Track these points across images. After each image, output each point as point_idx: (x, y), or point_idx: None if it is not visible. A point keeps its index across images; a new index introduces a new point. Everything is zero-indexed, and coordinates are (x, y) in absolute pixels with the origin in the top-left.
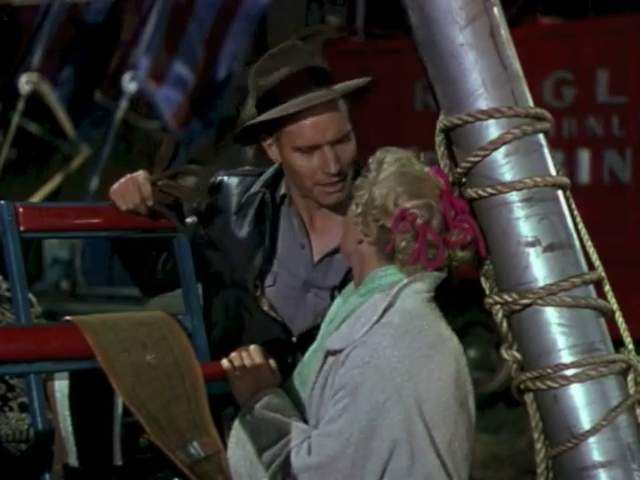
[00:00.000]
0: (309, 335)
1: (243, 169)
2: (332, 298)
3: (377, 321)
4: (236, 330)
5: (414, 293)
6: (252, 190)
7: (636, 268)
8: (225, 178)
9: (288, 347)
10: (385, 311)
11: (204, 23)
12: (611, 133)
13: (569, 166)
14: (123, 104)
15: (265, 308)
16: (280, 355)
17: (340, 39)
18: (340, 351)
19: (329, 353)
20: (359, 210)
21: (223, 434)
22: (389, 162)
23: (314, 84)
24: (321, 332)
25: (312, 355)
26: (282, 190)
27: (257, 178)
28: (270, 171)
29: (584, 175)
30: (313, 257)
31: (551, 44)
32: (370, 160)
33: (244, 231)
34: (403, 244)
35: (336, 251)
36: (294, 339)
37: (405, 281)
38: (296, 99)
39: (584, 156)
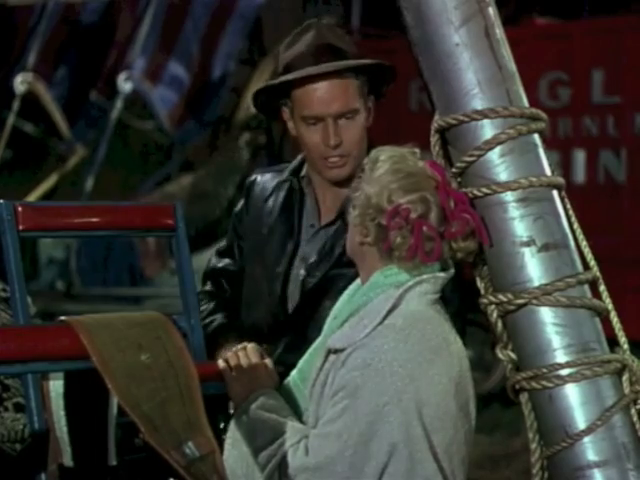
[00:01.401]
0: (297, 310)
1: (278, 166)
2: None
3: (380, 322)
4: (265, 318)
5: (419, 295)
6: (281, 179)
7: (631, 267)
8: (259, 176)
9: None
10: (389, 312)
11: (199, 23)
12: (606, 133)
13: (564, 166)
14: (118, 104)
15: (278, 293)
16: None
17: None
18: (342, 350)
19: (330, 351)
20: (357, 212)
21: (219, 434)
22: (382, 160)
23: (330, 58)
24: (325, 328)
25: (314, 352)
26: (303, 172)
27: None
28: (297, 159)
29: (579, 175)
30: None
31: (546, 44)
32: (365, 160)
33: (274, 219)
34: (399, 240)
35: (331, 224)
36: (285, 316)
37: (410, 283)
38: (307, 69)
39: (579, 156)
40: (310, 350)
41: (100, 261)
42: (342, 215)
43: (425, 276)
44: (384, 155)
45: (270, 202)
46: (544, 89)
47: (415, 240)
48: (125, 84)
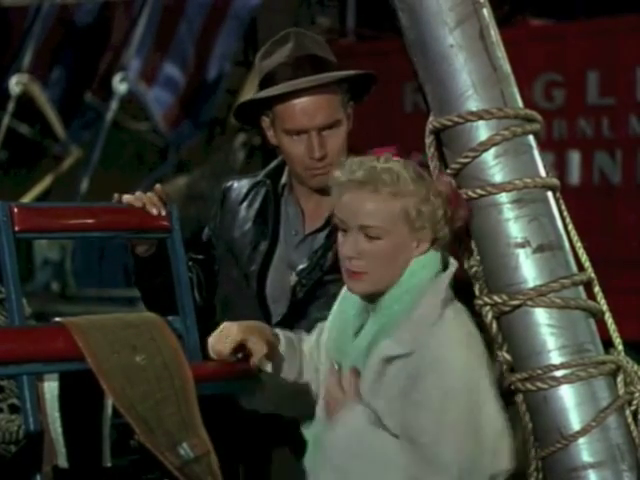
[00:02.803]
0: (287, 317)
1: (255, 173)
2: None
3: (438, 319)
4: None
5: (448, 284)
6: (257, 182)
7: (625, 268)
8: (235, 182)
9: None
10: (441, 308)
11: (194, 24)
12: (601, 134)
13: (559, 167)
14: (114, 105)
15: (256, 293)
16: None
17: (330, 40)
18: (405, 355)
19: (390, 358)
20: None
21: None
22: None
23: (311, 70)
24: (348, 347)
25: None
26: (283, 179)
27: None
28: (274, 162)
29: (574, 176)
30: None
31: (541, 46)
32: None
33: (249, 222)
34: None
35: (318, 230)
36: (274, 319)
37: (438, 272)
38: (289, 82)
39: (574, 157)
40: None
41: (95, 262)
42: (330, 222)
43: (450, 260)
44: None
45: (245, 204)
46: (539, 90)
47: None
48: (120, 85)
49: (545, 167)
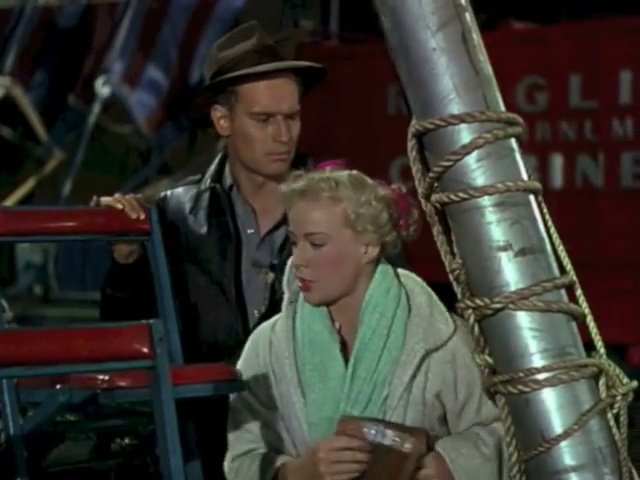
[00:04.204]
0: (265, 316)
1: (185, 179)
2: (278, 275)
3: (432, 312)
4: (210, 323)
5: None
6: (202, 187)
7: (608, 271)
8: (169, 192)
9: (244, 330)
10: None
11: (177, 27)
12: (583, 137)
13: (542, 170)
14: (96, 108)
15: (234, 296)
16: (235, 338)
17: (314, 43)
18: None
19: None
20: (361, 229)
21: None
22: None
23: (269, 59)
24: (363, 351)
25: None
26: (229, 181)
27: (202, 178)
28: (213, 166)
29: (557, 179)
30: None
31: (524, 49)
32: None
33: (205, 227)
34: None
35: (276, 228)
36: (251, 320)
37: (390, 267)
38: (261, 65)
39: (557, 160)
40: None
41: (78, 265)
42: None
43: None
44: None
45: (194, 213)
46: (522, 94)
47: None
48: (103, 88)
49: (527, 170)
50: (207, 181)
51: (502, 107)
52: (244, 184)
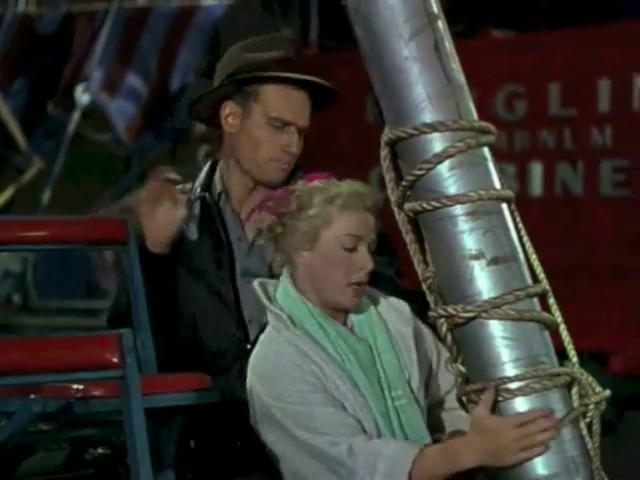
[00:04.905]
0: (258, 323)
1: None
2: None
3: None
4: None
5: None
6: (192, 196)
7: (589, 279)
8: None
9: (245, 337)
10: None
11: (157, 36)
12: (563, 146)
13: (521, 179)
14: (76, 116)
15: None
16: (238, 345)
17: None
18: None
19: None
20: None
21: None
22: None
23: (298, 71)
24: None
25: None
26: (218, 188)
27: (192, 187)
28: (202, 174)
29: (536, 187)
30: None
31: (503, 57)
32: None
33: (197, 236)
34: None
35: (260, 234)
36: (249, 328)
37: None
38: (291, 74)
39: (536, 169)
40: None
41: (57, 274)
42: None
43: None
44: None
45: (186, 223)
46: (501, 102)
47: None
48: (83, 96)
49: (500, 179)
50: (197, 190)
51: (475, 116)
52: (234, 188)
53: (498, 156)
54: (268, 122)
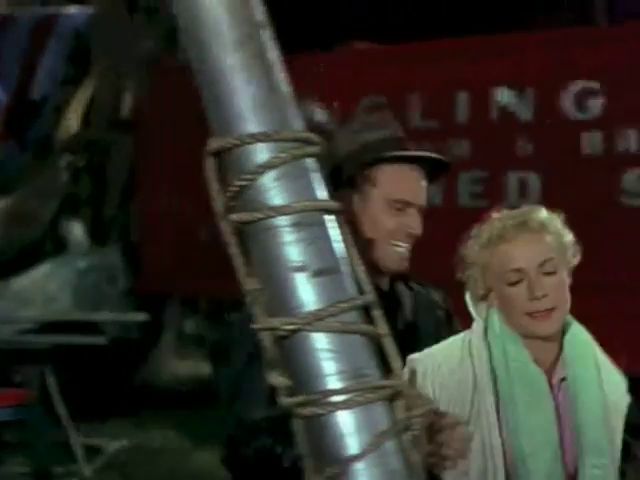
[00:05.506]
0: None
1: None
2: None
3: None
4: None
5: None
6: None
7: (452, 290)
8: None
9: None
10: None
11: (19, 43)
12: None
13: None
14: None
15: None
16: None
17: (159, 62)
18: None
19: None
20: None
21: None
22: None
23: (411, 149)
24: None
25: None
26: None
27: None
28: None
29: None
30: None
31: (363, 69)
32: None
33: None
34: None
35: None
36: None
37: None
38: (412, 151)
39: None
40: None
41: None
42: None
43: None
44: None
45: None
46: (362, 113)
47: None
48: None
49: (327, 190)
50: None
51: (300, 126)
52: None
53: None
54: (389, 204)
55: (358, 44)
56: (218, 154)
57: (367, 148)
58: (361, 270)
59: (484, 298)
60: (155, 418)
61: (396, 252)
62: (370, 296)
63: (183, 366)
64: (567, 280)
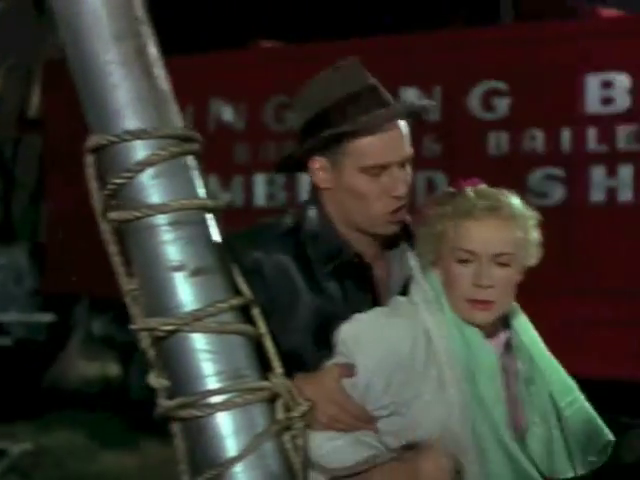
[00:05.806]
0: None
1: (259, 232)
2: None
3: None
4: None
5: None
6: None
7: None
8: (261, 254)
9: None
10: None
11: None
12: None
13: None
14: None
15: None
16: None
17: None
18: None
19: None
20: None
21: None
22: None
23: (375, 103)
24: None
25: None
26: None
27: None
28: (310, 213)
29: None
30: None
31: (272, 68)
32: None
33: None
34: None
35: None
36: None
37: None
38: (368, 115)
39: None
40: None
41: None
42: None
43: None
44: None
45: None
46: (270, 113)
47: None
48: None
49: (207, 188)
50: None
51: (179, 124)
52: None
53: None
54: (363, 172)
55: (265, 42)
56: (97, 151)
57: (324, 112)
58: (236, 271)
59: (432, 264)
60: (62, 420)
61: (384, 220)
62: (248, 295)
63: (91, 367)
64: (516, 278)
